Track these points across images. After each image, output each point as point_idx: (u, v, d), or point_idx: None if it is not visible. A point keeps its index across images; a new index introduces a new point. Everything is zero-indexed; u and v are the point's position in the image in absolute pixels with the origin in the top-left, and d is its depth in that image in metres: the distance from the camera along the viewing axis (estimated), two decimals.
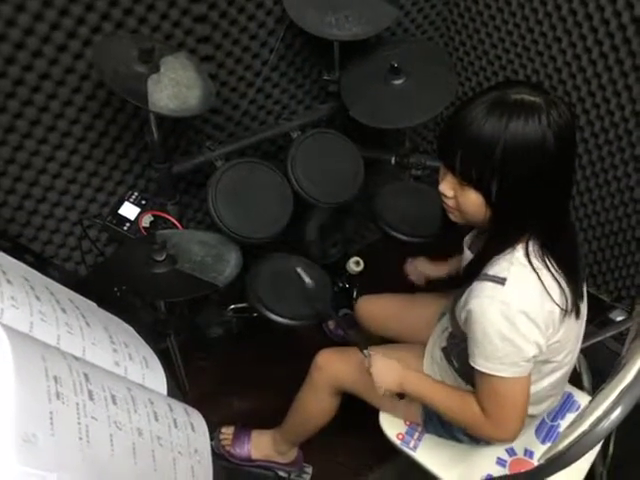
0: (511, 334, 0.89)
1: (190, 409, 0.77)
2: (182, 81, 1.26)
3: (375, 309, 1.48)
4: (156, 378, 0.77)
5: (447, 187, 0.94)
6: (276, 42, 1.61)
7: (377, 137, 1.85)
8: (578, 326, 1.03)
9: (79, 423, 0.53)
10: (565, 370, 1.08)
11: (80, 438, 0.52)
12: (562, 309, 0.92)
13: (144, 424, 0.62)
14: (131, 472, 0.57)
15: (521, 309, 0.88)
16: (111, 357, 0.72)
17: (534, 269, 0.90)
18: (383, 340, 1.41)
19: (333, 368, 1.32)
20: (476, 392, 1.01)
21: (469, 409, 1.01)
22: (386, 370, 1.12)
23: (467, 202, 0.92)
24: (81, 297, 0.85)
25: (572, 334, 1.02)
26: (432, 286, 1.46)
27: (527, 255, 0.91)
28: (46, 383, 0.52)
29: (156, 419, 0.65)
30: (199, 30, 1.47)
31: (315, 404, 1.38)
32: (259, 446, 1.53)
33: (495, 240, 0.94)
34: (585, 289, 1.04)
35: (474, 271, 0.95)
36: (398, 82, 1.53)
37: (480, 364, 0.95)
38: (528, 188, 0.87)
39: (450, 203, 0.96)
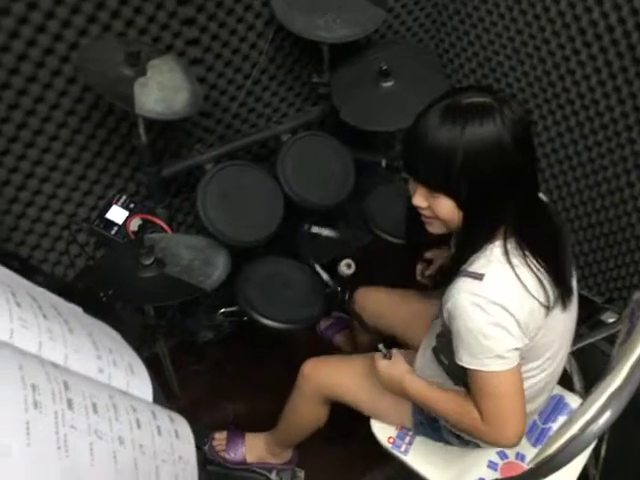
0: (490, 327, 0.90)
1: (175, 415, 0.76)
2: (169, 84, 1.26)
3: (372, 301, 1.49)
4: (141, 384, 0.76)
5: (420, 199, 0.96)
6: (265, 44, 1.60)
7: (367, 139, 1.85)
8: (564, 321, 1.02)
9: (57, 432, 0.52)
10: (553, 369, 1.07)
11: (58, 448, 0.51)
12: (544, 305, 0.93)
13: (126, 432, 0.61)
14: None
15: (498, 302, 0.89)
16: (94, 364, 0.71)
17: (512, 266, 0.91)
18: (377, 332, 1.42)
19: (320, 377, 1.32)
20: (471, 395, 1.00)
21: (469, 416, 1.00)
22: (390, 372, 1.14)
23: (441, 209, 0.93)
24: (65, 302, 0.84)
25: (559, 328, 1.01)
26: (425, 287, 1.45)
27: (506, 253, 0.92)
28: (23, 392, 0.51)
29: (139, 427, 0.64)
30: (187, 33, 1.46)
31: (304, 413, 1.38)
32: (253, 449, 1.53)
33: (468, 239, 0.96)
34: (575, 284, 1.04)
35: (452, 270, 0.96)
36: (388, 84, 1.53)
37: (466, 361, 0.95)
38: (494, 186, 0.89)
39: (427, 213, 0.98)
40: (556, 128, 1.71)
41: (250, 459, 1.53)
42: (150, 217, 1.45)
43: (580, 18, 1.50)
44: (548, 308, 0.94)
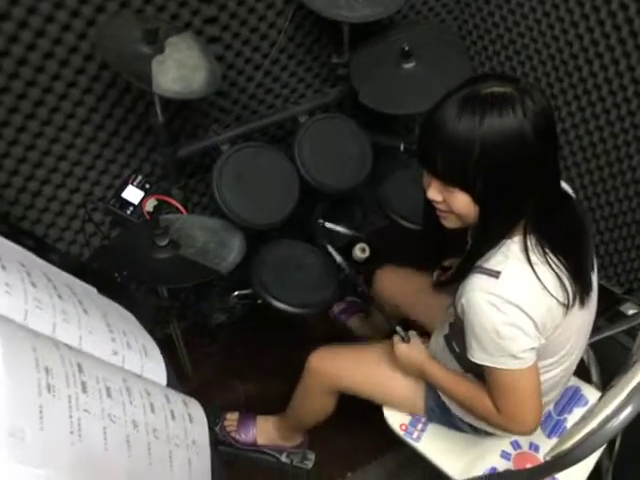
0: (505, 326, 0.88)
1: (189, 399, 0.76)
2: (187, 63, 1.24)
3: (395, 281, 1.48)
4: (155, 367, 0.76)
5: (434, 193, 0.92)
6: (285, 23, 1.57)
7: (386, 123, 1.82)
8: (583, 317, 1.00)
9: (71, 417, 0.51)
10: (569, 363, 1.06)
11: (71, 432, 0.50)
12: (562, 304, 0.90)
13: (140, 416, 0.61)
14: (125, 466, 0.56)
15: (514, 302, 0.87)
16: (109, 346, 0.71)
17: (530, 264, 0.88)
18: (395, 313, 1.43)
19: (327, 370, 1.30)
20: (486, 387, 0.99)
21: (484, 404, 1.00)
22: (411, 357, 1.14)
23: (457, 204, 0.90)
24: (80, 282, 0.83)
25: (575, 325, 0.99)
26: None
27: (525, 250, 0.89)
28: (37, 375, 0.51)
29: (152, 411, 0.64)
30: (206, 10, 1.43)
31: (311, 405, 1.38)
32: (264, 431, 1.53)
33: (484, 234, 0.92)
34: (595, 278, 1.01)
35: (467, 265, 0.94)
36: (409, 66, 1.49)
37: (479, 357, 0.93)
38: (512, 180, 0.85)
39: (442, 207, 0.94)
40: (581, 114, 1.67)
41: (261, 441, 1.53)
42: (165, 198, 1.44)
43: (610, 0, 1.45)
44: (567, 306, 0.91)
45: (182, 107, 1.54)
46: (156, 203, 1.40)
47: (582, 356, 1.12)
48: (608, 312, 1.57)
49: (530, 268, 0.88)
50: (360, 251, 1.64)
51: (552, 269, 0.89)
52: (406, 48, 1.47)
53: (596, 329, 1.10)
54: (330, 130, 1.58)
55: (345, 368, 1.29)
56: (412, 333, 1.19)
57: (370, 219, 2.13)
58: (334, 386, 1.31)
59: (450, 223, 0.97)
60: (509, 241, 0.91)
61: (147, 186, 1.44)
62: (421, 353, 1.14)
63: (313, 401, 1.36)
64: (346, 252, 1.72)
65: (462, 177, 0.86)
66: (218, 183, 1.39)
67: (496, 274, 0.88)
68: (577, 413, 1.24)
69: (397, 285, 1.47)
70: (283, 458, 1.56)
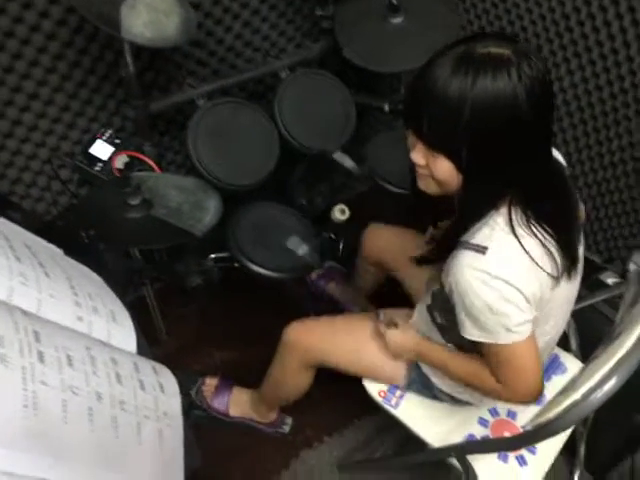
0: (497, 303, 0.85)
1: (160, 367, 0.72)
2: (160, 7, 1.15)
3: (383, 238, 1.46)
4: (124, 333, 0.71)
5: (418, 156, 0.87)
6: None
7: (371, 81, 1.75)
8: (569, 289, 0.99)
9: (25, 389, 0.46)
10: (555, 332, 1.05)
11: (25, 406, 0.46)
12: (552, 276, 0.88)
13: (104, 387, 0.56)
14: (88, 440, 0.52)
15: (503, 278, 0.84)
16: (72, 311, 0.66)
17: (516, 236, 0.85)
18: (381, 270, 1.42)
19: (303, 344, 1.27)
20: (485, 359, 0.97)
21: (484, 378, 0.98)
22: (402, 342, 1.12)
23: (439, 170, 0.85)
24: (44, 243, 0.77)
25: (562, 297, 0.97)
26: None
27: (510, 222, 0.86)
28: None
29: (119, 381, 0.59)
30: None
31: (287, 379, 1.35)
32: (238, 403, 1.52)
33: (468, 207, 0.88)
34: (582, 251, 0.99)
35: (452, 239, 0.90)
36: (397, 21, 1.42)
37: (475, 334, 0.91)
38: (499, 149, 0.80)
39: (424, 172, 0.89)
40: (569, 78, 1.62)
41: (233, 412, 1.52)
42: (137, 154, 1.37)
43: None
44: (556, 279, 0.89)
45: (155, 57, 1.45)
46: (127, 160, 1.33)
47: None
48: (588, 280, 1.57)
49: (517, 242, 0.84)
50: (339, 212, 1.59)
51: (539, 241, 0.86)
52: (394, 2, 1.40)
53: (577, 298, 1.08)
54: (312, 87, 1.51)
55: (322, 341, 1.25)
56: (389, 314, 1.17)
57: (352, 184, 2.08)
58: (311, 359, 1.28)
59: (429, 189, 0.92)
60: (495, 215, 0.87)
61: (117, 141, 1.36)
62: (412, 337, 1.12)
63: (289, 375, 1.33)
64: (326, 219, 1.68)
65: (448, 141, 0.81)
66: (193, 140, 1.33)
67: (483, 249, 0.85)
68: (556, 380, 1.24)
69: (386, 243, 1.44)
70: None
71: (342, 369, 1.24)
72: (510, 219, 0.86)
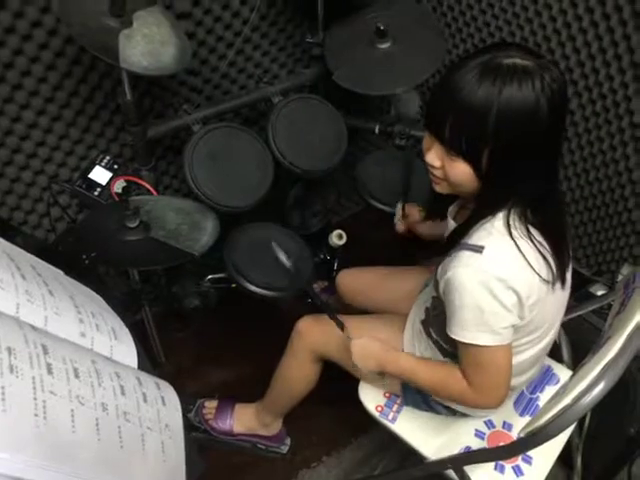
0: (488, 302, 0.88)
1: (162, 382, 0.74)
2: (156, 37, 1.19)
3: (355, 282, 1.48)
4: (125, 350, 0.74)
5: (434, 157, 0.91)
6: (257, 0, 1.53)
7: (361, 104, 1.80)
8: (563, 297, 1.02)
9: (35, 398, 0.49)
10: (547, 341, 1.07)
11: (36, 415, 0.48)
12: (545, 280, 0.91)
13: (109, 399, 0.58)
14: (94, 450, 0.54)
15: (498, 276, 0.86)
16: (76, 328, 0.68)
17: (512, 238, 0.88)
18: (364, 313, 1.40)
19: (314, 335, 1.31)
20: (459, 362, 0.99)
21: (452, 380, 1.00)
22: (367, 352, 1.11)
23: (456, 172, 0.89)
24: (46, 264, 0.80)
25: (554, 304, 1.00)
26: (413, 258, 1.43)
27: (507, 225, 0.89)
28: None
29: (123, 393, 0.61)
30: None
31: (296, 371, 1.37)
32: (242, 419, 1.52)
33: (482, 208, 0.92)
34: (571, 261, 1.02)
35: (457, 239, 0.93)
36: (384, 46, 1.47)
37: (458, 334, 0.93)
38: (518, 156, 0.84)
39: (438, 174, 0.93)
40: None
41: (238, 429, 1.52)
42: (135, 179, 1.40)
43: None
44: (549, 284, 0.92)
45: (151, 85, 1.50)
46: (125, 184, 1.36)
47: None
48: (577, 293, 1.60)
49: (513, 243, 0.88)
50: (337, 237, 1.63)
51: (535, 246, 0.89)
52: (381, 27, 1.44)
53: (567, 309, 1.11)
54: (304, 111, 1.55)
55: (332, 334, 1.25)
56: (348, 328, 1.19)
57: (345, 204, 2.12)
58: (320, 351, 1.31)
59: (441, 188, 0.96)
60: (492, 217, 0.90)
61: (115, 167, 1.39)
62: (376, 347, 1.11)
63: (298, 367, 1.35)
64: (321, 239, 1.71)
65: (469, 146, 0.84)
66: (190, 164, 1.36)
67: (479, 249, 0.88)
68: (549, 392, 1.26)
69: (359, 284, 1.46)
70: (259, 445, 1.55)
71: (345, 366, 1.26)
72: (508, 222, 0.89)
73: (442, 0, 1.85)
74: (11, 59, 1.27)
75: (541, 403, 1.24)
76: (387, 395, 1.25)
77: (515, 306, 0.89)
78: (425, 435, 1.19)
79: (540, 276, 0.90)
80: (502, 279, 0.86)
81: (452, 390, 1.02)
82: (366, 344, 1.12)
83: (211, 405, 1.55)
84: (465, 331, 0.92)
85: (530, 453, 1.15)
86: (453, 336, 0.94)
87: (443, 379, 1.03)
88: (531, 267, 0.88)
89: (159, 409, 0.68)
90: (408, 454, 1.21)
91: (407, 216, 1.45)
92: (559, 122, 0.87)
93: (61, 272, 0.82)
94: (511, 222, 0.89)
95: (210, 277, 1.58)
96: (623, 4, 1.39)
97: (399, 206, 1.45)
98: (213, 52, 1.56)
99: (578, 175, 1.73)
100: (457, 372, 1.00)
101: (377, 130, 1.67)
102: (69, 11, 1.16)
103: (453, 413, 1.18)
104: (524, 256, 0.87)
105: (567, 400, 0.80)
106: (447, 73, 0.87)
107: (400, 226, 1.45)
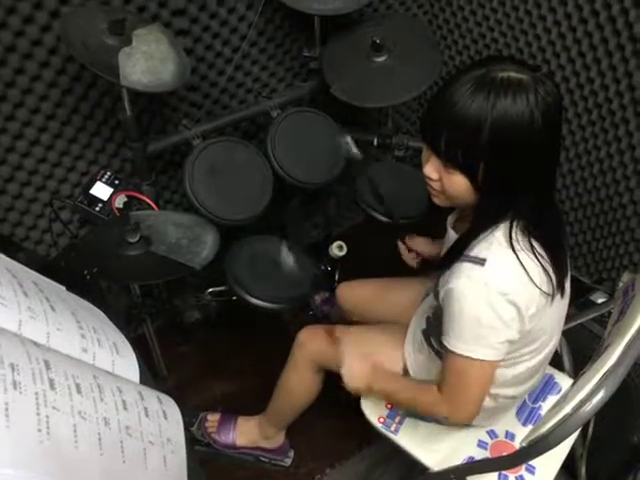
0: (488, 316, 0.88)
1: (163, 396, 0.74)
2: (155, 55, 1.21)
3: (356, 293, 1.47)
4: (127, 365, 0.74)
5: (432, 170, 0.92)
6: (255, 16, 1.55)
7: (359, 116, 1.81)
8: (562, 307, 1.02)
9: (38, 414, 0.49)
10: (547, 351, 1.07)
11: (39, 430, 0.48)
12: (545, 293, 0.91)
13: (111, 413, 0.59)
14: (97, 464, 0.54)
15: (500, 290, 0.87)
16: (78, 343, 0.68)
17: (514, 251, 0.88)
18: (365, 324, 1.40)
19: (315, 345, 1.31)
20: (442, 370, 1.00)
21: (428, 391, 1.02)
22: (357, 372, 1.12)
23: (453, 185, 0.90)
24: (47, 280, 0.81)
25: (556, 316, 1.00)
26: (414, 269, 1.43)
27: (509, 237, 0.89)
28: (1, 372, 0.49)
29: (125, 408, 0.62)
30: (174, 2, 1.41)
31: (298, 381, 1.37)
32: (245, 432, 1.52)
33: (480, 221, 0.93)
34: (569, 269, 1.03)
35: (458, 251, 0.93)
36: (380, 59, 1.49)
37: (452, 344, 0.93)
38: (514, 169, 0.85)
39: (435, 186, 0.94)
40: None
41: (240, 442, 1.52)
42: (136, 194, 1.41)
43: None
44: (549, 296, 0.92)
45: (151, 101, 1.51)
46: (126, 199, 1.37)
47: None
48: (578, 301, 1.60)
49: (514, 255, 0.88)
50: (338, 249, 1.64)
51: (536, 258, 0.89)
52: (377, 41, 1.47)
53: (567, 317, 1.11)
54: (303, 124, 1.57)
55: (331, 346, 1.25)
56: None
57: (346, 216, 2.13)
58: (321, 361, 1.31)
59: (439, 201, 0.97)
60: (494, 229, 0.90)
61: (116, 182, 1.40)
62: (370, 366, 1.12)
63: (300, 378, 1.35)
64: (322, 250, 1.72)
65: (465, 159, 0.85)
66: (190, 178, 1.37)
67: (481, 261, 0.88)
68: (551, 401, 1.25)
69: (359, 296, 1.46)
70: (262, 457, 1.55)
71: None
72: (510, 234, 0.89)
73: (437, 13, 1.88)
74: (12, 78, 1.29)
75: (543, 412, 1.24)
76: (389, 406, 1.25)
77: (514, 320, 0.89)
78: (428, 446, 1.19)
79: (541, 290, 0.90)
80: (504, 293, 0.86)
81: (427, 399, 1.04)
82: (358, 365, 1.12)
83: (213, 418, 1.55)
84: (461, 342, 0.92)
85: (534, 463, 1.15)
86: (448, 346, 0.94)
87: (420, 390, 1.06)
88: (532, 280, 0.88)
89: (161, 423, 0.68)
90: (411, 465, 1.21)
91: (413, 250, 1.42)
92: (555, 135, 0.87)
93: (63, 288, 0.82)
94: (513, 234, 0.89)
95: (211, 290, 1.59)
96: (616, 15, 1.41)
97: (401, 245, 1.42)
98: (212, 68, 1.58)
99: (576, 183, 1.74)
100: (433, 387, 1.02)
101: (376, 142, 1.69)
102: (69, 30, 1.18)
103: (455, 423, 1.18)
104: (525, 269, 0.87)
105: (567, 409, 0.80)
106: (442, 87, 0.87)
107: (412, 262, 1.41)
